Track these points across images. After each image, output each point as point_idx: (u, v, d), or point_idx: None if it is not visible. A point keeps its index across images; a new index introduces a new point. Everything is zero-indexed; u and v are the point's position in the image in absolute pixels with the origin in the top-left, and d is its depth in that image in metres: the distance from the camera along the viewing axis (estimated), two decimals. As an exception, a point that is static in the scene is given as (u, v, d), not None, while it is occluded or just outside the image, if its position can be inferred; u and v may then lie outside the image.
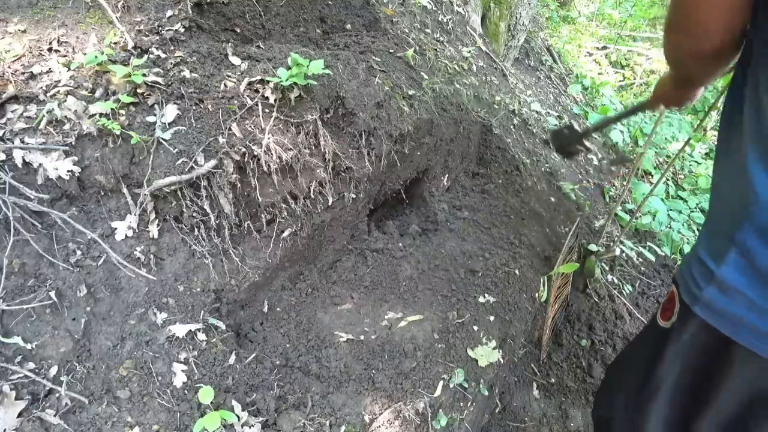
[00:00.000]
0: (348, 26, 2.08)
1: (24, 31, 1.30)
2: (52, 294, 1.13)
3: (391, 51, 1.94)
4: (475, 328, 1.61)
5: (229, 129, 1.32)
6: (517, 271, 1.88)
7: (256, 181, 1.39)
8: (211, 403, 1.13)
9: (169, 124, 1.27)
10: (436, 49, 2.27)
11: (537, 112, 3.16)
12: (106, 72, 1.26)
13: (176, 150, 1.25)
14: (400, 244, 2.00)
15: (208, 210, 1.33)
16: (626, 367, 1.17)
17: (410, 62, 1.98)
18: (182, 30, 1.47)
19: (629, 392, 1.06)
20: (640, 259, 2.70)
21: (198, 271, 1.34)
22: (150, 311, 1.23)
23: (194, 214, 1.33)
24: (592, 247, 2.23)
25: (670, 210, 3.29)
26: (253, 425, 1.15)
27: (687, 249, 2.95)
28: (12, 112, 1.16)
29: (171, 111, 1.28)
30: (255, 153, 1.35)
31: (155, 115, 1.27)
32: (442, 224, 2.15)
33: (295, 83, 1.39)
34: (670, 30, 0.83)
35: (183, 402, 1.15)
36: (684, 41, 0.81)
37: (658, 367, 0.95)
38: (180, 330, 1.23)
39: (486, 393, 1.48)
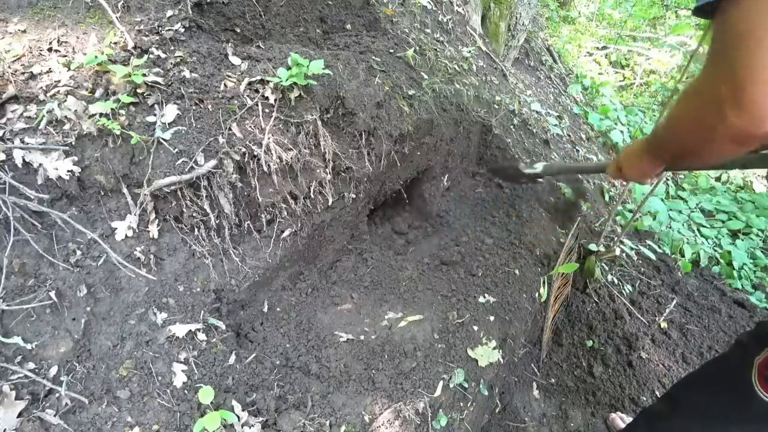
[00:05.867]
0: (348, 26, 2.08)
1: (24, 31, 1.30)
2: (52, 294, 1.13)
3: (391, 51, 1.94)
4: (475, 328, 1.61)
5: (229, 129, 1.32)
6: (517, 271, 1.88)
7: (256, 181, 1.39)
8: (211, 403, 1.13)
9: (169, 124, 1.27)
10: (436, 49, 2.27)
11: (537, 112, 3.15)
12: (106, 72, 1.26)
13: (176, 150, 1.25)
14: (400, 244, 2.00)
15: (208, 210, 1.33)
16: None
17: (410, 62, 1.98)
18: (182, 30, 1.47)
19: None
20: (640, 260, 2.70)
21: (198, 271, 1.34)
22: (150, 311, 1.23)
23: (194, 214, 1.33)
24: (592, 247, 2.23)
25: (670, 210, 3.29)
26: (253, 425, 1.15)
27: (687, 249, 2.95)
28: (12, 112, 1.16)
29: (171, 111, 1.28)
30: (255, 153, 1.35)
31: (155, 115, 1.27)
32: (443, 224, 2.15)
33: (295, 83, 1.39)
34: (712, 100, 0.64)
35: (183, 402, 1.15)
36: (734, 120, 0.62)
37: None
38: (180, 330, 1.23)
39: (486, 393, 1.48)
